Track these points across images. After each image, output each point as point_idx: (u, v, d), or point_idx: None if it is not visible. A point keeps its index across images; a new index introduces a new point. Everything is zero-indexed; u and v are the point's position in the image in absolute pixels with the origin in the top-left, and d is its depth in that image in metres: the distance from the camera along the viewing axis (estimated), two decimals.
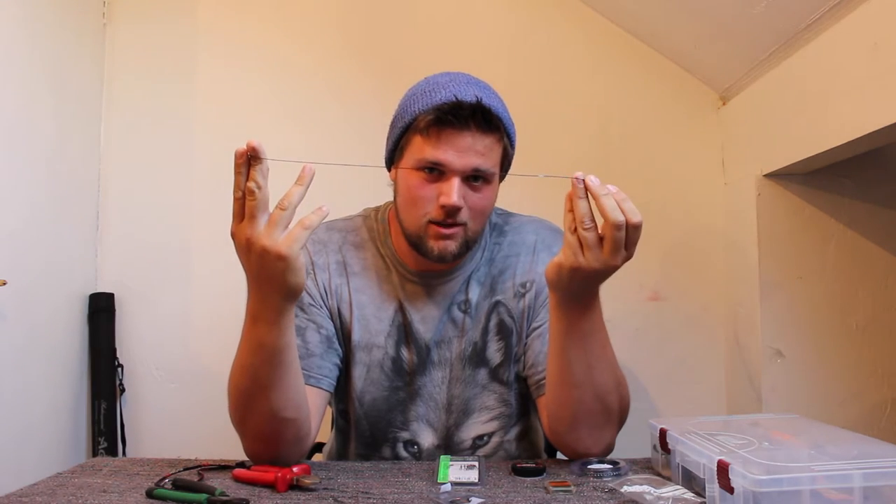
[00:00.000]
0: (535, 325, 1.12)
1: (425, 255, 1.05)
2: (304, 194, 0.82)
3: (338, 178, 1.83)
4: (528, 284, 1.13)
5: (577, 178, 0.85)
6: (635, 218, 0.83)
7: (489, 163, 1.01)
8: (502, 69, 1.81)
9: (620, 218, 0.82)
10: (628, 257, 0.86)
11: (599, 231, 0.85)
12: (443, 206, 1.00)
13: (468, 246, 1.06)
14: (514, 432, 1.16)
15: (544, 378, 1.05)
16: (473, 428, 1.13)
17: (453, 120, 0.98)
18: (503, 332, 1.13)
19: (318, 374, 1.06)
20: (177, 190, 1.82)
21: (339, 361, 1.11)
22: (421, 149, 1.01)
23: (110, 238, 1.81)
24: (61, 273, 1.66)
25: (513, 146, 1.08)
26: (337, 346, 1.11)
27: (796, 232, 1.59)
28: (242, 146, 0.80)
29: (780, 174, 1.56)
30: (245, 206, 0.81)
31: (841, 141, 1.25)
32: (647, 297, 1.82)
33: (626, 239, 0.84)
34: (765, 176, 1.59)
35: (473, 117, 0.98)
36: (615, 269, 0.86)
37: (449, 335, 1.12)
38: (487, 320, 1.12)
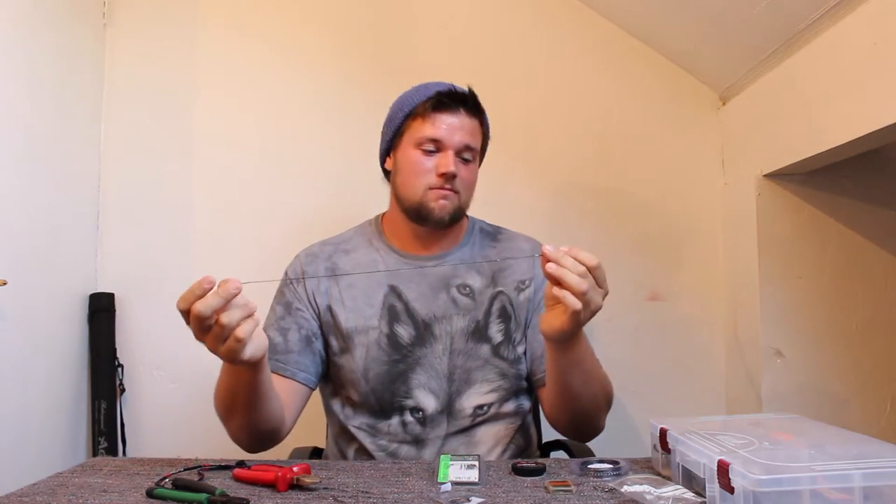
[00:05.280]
0: (536, 321, 1.22)
1: (426, 218, 1.19)
2: (241, 317, 0.85)
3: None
4: (527, 282, 1.26)
5: (544, 254, 0.92)
6: (593, 261, 0.92)
7: (475, 142, 1.21)
8: (503, 70, 1.81)
9: (581, 268, 0.91)
10: (606, 293, 0.95)
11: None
12: (442, 174, 1.17)
13: (460, 212, 1.22)
14: (510, 405, 1.24)
15: (545, 374, 1.15)
16: (474, 398, 1.21)
17: (449, 102, 1.18)
18: (504, 316, 1.24)
19: (294, 368, 1.18)
20: (177, 190, 1.82)
21: (317, 359, 1.22)
22: (420, 129, 1.19)
23: (110, 238, 1.81)
24: (61, 273, 1.66)
25: (488, 136, 1.27)
26: (317, 346, 1.22)
27: (796, 232, 1.59)
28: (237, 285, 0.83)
29: (780, 174, 1.57)
30: (199, 320, 0.84)
31: (841, 141, 1.25)
32: (647, 297, 1.82)
33: (595, 280, 0.93)
34: (764, 176, 1.59)
35: (465, 102, 1.19)
36: (599, 308, 0.94)
37: (450, 313, 1.22)
38: (490, 304, 1.24)
